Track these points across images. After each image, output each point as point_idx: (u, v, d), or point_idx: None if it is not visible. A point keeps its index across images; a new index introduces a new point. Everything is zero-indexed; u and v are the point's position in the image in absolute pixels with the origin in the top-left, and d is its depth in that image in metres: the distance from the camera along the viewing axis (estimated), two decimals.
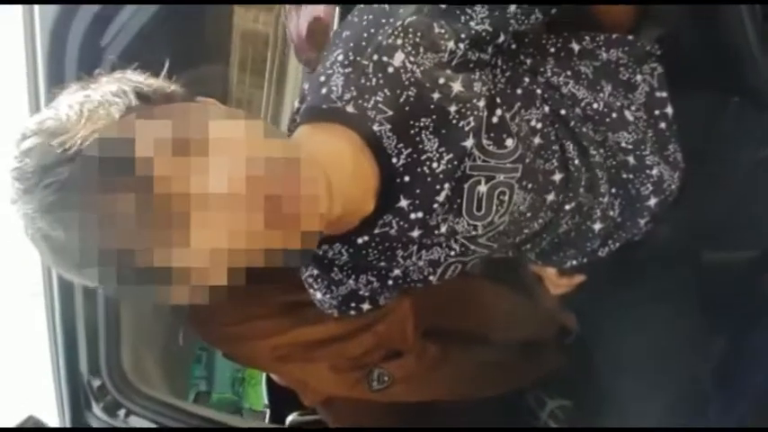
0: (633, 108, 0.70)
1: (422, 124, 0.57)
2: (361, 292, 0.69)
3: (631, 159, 0.69)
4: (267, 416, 1.31)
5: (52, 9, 0.84)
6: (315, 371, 1.01)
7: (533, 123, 0.64)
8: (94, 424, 0.96)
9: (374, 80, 0.57)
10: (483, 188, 0.61)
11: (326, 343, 0.99)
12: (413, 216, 0.60)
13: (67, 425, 0.99)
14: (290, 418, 1.20)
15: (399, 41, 0.56)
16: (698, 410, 0.86)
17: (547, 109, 0.65)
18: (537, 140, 0.64)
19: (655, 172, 0.70)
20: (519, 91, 0.63)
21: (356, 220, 0.59)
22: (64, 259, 0.46)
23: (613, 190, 0.71)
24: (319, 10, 1.06)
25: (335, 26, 1.01)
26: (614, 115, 0.68)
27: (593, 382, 0.96)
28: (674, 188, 0.72)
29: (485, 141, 0.59)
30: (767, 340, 0.93)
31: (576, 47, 0.69)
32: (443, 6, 0.58)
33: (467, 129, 0.58)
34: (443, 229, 0.62)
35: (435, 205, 0.60)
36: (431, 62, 0.56)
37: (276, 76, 1.32)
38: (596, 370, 0.95)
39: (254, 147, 0.47)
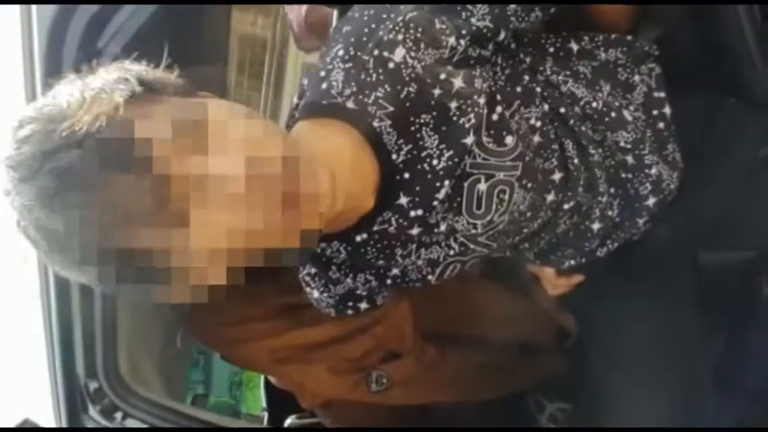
0: (632, 108, 0.70)
1: (422, 121, 0.57)
2: (358, 292, 0.69)
3: (630, 159, 0.69)
4: (265, 419, 1.30)
5: (50, 10, 0.84)
6: (313, 373, 1.01)
7: (533, 122, 0.63)
8: (91, 426, 0.96)
9: (375, 75, 0.56)
10: (483, 186, 0.60)
11: (324, 345, 0.99)
12: (412, 214, 0.60)
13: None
14: (288, 421, 1.19)
15: (400, 36, 0.56)
16: (697, 410, 0.86)
17: (546, 107, 0.65)
18: (536, 139, 0.64)
19: (653, 171, 0.70)
20: (519, 89, 0.63)
21: (355, 218, 0.59)
22: (61, 252, 0.45)
23: (612, 189, 0.71)
24: None
25: (335, 15, 1.00)
26: (613, 115, 0.68)
27: (593, 385, 0.96)
28: (673, 188, 0.72)
29: (485, 139, 0.59)
30: (765, 340, 0.93)
31: (574, 47, 0.69)
32: None
33: (467, 126, 0.57)
34: (443, 227, 0.62)
35: (435, 203, 0.59)
36: (431, 58, 0.56)
37: (274, 78, 1.32)
38: (594, 370, 0.95)
39: (253, 146, 0.46)
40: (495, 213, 0.62)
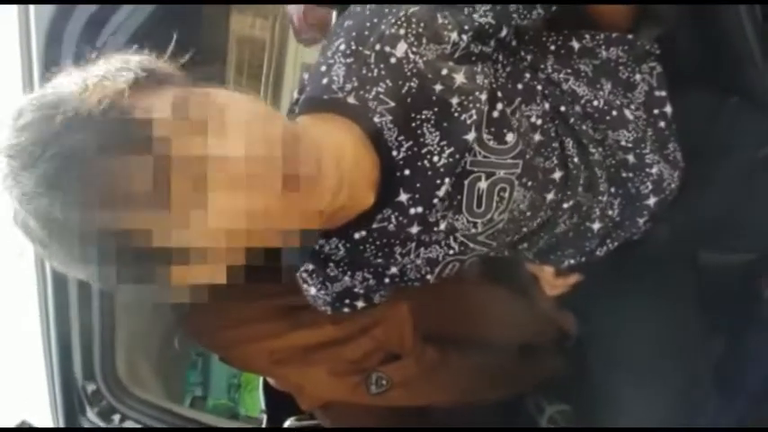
0: (633, 107, 0.70)
1: (423, 117, 0.57)
2: (356, 290, 0.68)
3: (631, 158, 0.69)
4: (264, 422, 1.30)
5: (47, 10, 0.84)
6: (312, 375, 1.00)
7: (533, 119, 0.63)
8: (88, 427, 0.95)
9: (376, 70, 0.56)
10: (483, 184, 0.60)
11: (324, 346, 0.99)
12: (412, 211, 0.59)
13: None
14: (287, 423, 1.18)
15: (402, 31, 0.55)
16: (697, 412, 0.86)
17: (547, 105, 0.65)
18: (537, 137, 0.63)
19: (654, 171, 0.69)
20: (520, 86, 0.63)
21: (354, 214, 0.59)
22: (60, 241, 0.44)
23: (613, 189, 0.71)
24: None
25: (334, 16, 1.01)
26: (614, 113, 0.68)
27: (592, 386, 0.95)
28: (674, 187, 0.72)
29: (485, 136, 0.59)
30: (765, 341, 0.93)
31: (576, 45, 0.69)
32: None
33: (469, 122, 0.57)
34: (443, 226, 0.62)
35: (435, 200, 0.59)
36: (433, 53, 0.56)
37: (273, 80, 1.32)
38: (594, 371, 0.94)
39: (254, 128, 0.46)
40: (496, 212, 0.62)
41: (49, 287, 0.90)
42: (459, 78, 0.56)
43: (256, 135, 0.46)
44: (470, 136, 0.57)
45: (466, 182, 0.60)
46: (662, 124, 0.71)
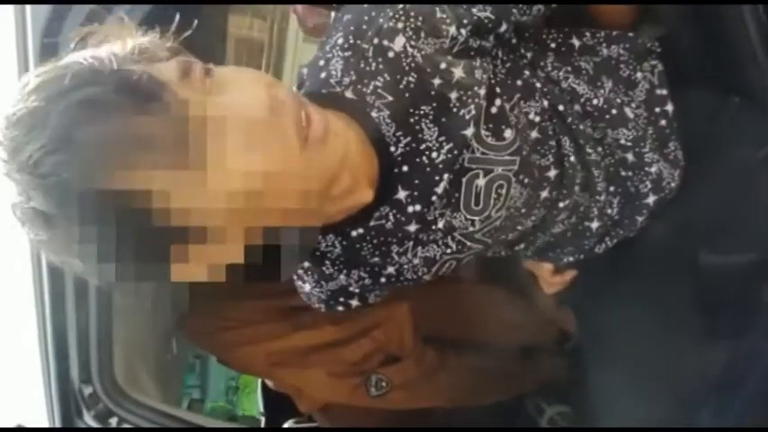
0: (633, 105, 0.70)
1: (422, 112, 0.57)
2: (351, 289, 0.68)
3: (630, 156, 0.69)
4: (262, 424, 1.29)
5: (44, 9, 0.83)
6: (311, 377, 1.00)
7: (532, 116, 0.63)
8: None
9: (374, 64, 0.56)
10: (481, 182, 0.60)
11: (323, 348, 0.98)
12: (410, 209, 0.59)
13: None
14: (286, 425, 1.18)
15: (401, 25, 0.55)
16: (697, 413, 0.86)
17: (546, 103, 0.65)
18: (534, 134, 0.63)
19: (654, 169, 0.69)
20: (519, 82, 0.63)
21: (352, 209, 0.58)
22: (66, 215, 0.42)
23: (612, 188, 0.70)
24: None
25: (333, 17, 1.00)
26: (614, 112, 0.68)
27: (592, 387, 0.95)
28: (674, 186, 0.71)
29: (483, 132, 0.59)
30: (765, 342, 0.92)
31: (576, 42, 0.69)
32: None
33: (467, 117, 0.57)
34: (440, 224, 0.62)
35: (434, 198, 0.59)
36: (432, 47, 0.55)
37: None
38: (593, 373, 0.94)
39: (263, 89, 0.47)
40: (493, 209, 0.62)
41: (46, 288, 0.89)
42: (458, 73, 0.56)
43: (267, 95, 0.46)
44: (469, 131, 0.57)
45: (464, 179, 0.60)
46: (663, 122, 0.71)
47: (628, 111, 0.69)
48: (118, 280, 0.46)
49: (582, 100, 0.67)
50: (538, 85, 0.65)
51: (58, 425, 0.95)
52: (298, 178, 0.47)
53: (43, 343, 0.93)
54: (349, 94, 0.56)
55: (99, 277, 0.47)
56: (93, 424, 0.93)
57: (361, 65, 0.56)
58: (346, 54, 0.57)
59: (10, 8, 0.86)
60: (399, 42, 0.55)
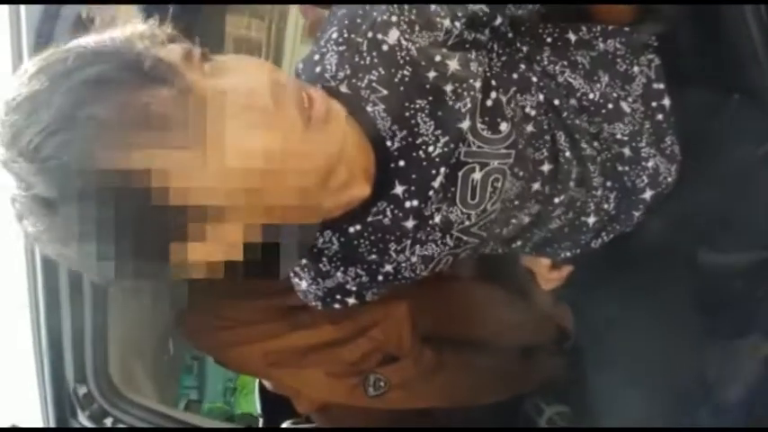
0: (630, 99, 0.70)
1: (417, 106, 0.56)
2: (348, 286, 0.67)
3: (627, 151, 0.69)
4: (260, 425, 1.29)
5: (37, 10, 0.83)
6: (309, 377, 0.99)
7: (528, 110, 0.63)
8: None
9: (368, 58, 0.56)
10: (477, 175, 0.60)
11: (321, 348, 0.98)
12: (407, 204, 0.59)
13: None
14: (284, 425, 1.17)
15: (394, 18, 0.55)
16: (697, 412, 0.85)
17: (541, 97, 0.64)
18: (529, 128, 0.63)
19: (650, 164, 0.69)
20: (515, 76, 0.62)
21: (350, 205, 0.58)
22: (68, 201, 0.41)
23: (608, 183, 0.70)
24: None
25: None
26: (610, 106, 0.68)
27: (591, 387, 0.95)
28: (671, 181, 0.71)
29: (479, 125, 0.58)
30: (765, 341, 0.92)
31: (572, 37, 0.69)
32: None
33: (463, 110, 0.56)
34: (437, 218, 0.61)
35: (431, 192, 0.58)
36: (426, 40, 0.55)
37: None
38: (592, 372, 0.94)
39: (264, 71, 0.47)
40: (489, 202, 0.61)
41: (40, 286, 0.89)
42: (453, 65, 0.56)
43: (268, 78, 0.46)
44: (465, 124, 0.57)
45: (460, 173, 0.60)
46: (660, 117, 0.71)
47: (624, 105, 0.68)
48: (117, 276, 0.45)
49: (578, 94, 0.67)
50: (534, 78, 0.64)
51: (52, 425, 0.95)
52: (299, 158, 0.46)
53: (37, 342, 0.92)
54: (344, 89, 0.56)
55: (97, 272, 0.46)
56: (88, 424, 0.93)
57: (356, 59, 0.56)
58: (341, 48, 0.56)
59: (4, 9, 0.86)
60: (393, 35, 0.55)
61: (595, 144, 0.68)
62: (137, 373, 1.09)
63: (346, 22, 0.57)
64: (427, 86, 0.56)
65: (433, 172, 0.57)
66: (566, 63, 0.67)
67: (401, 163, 0.57)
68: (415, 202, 0.59)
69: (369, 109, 0.56)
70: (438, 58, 0.55)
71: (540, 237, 0.72)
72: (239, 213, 0.45)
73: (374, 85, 0.56)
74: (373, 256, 0.63)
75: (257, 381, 1.28)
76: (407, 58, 0.55)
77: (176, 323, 1.03)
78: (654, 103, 0.71)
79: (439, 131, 0.57)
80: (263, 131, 0.45)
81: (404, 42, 0.55)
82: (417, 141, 0.57)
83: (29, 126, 0.40)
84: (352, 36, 0.56)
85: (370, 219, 0.60)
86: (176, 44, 0.46)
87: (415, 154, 0.57)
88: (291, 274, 0.69)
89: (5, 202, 0.45)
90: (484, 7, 0.57)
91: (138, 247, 0.43)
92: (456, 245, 0.64)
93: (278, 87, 0.46)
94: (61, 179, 0.41)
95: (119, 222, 0.42)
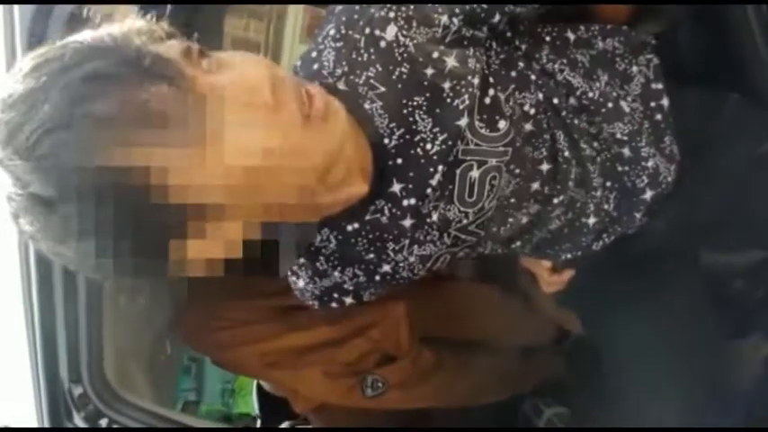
0: (629, 99, 0.70)
1: (415, 103, 0.56)
2: (345, 286, 0.67)
3: (626, 151, 0.68)
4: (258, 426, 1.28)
5: (30, 9, 0.82)
6: (306, 377, 0.99)
7: (526, 108, 0.62)
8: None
9: (366, 55, 0.55)
10: (475, 173, 0.59)
11: (318, 348, 0.98)
12: (405, 203, 0.58)
13: None
14: (283, 426, 1.17)
15: (392, 14, 0.54)
16: (697, 413, 0.85)
17: (540, 96, 0.64)
18: (528, 127, 0.63)
19: (650, 164, 0.69)
20: (513, 73, 0.62)
21: (347, 202, 0.57)
22: (66, 198, 0.41)
23: (608, 183, 0.70)
24: None
25: None
26: (610, 105, 0.67)
27: (591, 389, 0.94)
28: (671, 181, 0.71)
29: (477, 123, 0.58)
30: (764, 341, 0.92)
31: (571, 36, 0.68)
32: None
33: (461, 107, 0.56)
34: (435, 217, 0.61)
35: (428, 190, 0.58)
36: (424, 37, 0.55)
37: None
38: (592, 373, 0.93)
39: (262, 68, 0.47)
40: (487, 200, 0.61)
41: (34, 285, 0.88)
42: (451, 62, 0.55)
43: (267, 74, 0.46)
44: (463, 121, 0.56)
45: (458, 171, 0.59)
46: (658, 117, 0.70)
47: (623, 104, 0.68)
48: (116, 274, 0.45)
49: (577, 93, 0.67)
50: (533, 77, 0.64)
51: (47, 426, 0.94)
52: (297, 156, 0.46)
53: (31, 342, 0.91)
54: (341, 85, 0.56)
55: (95, 270, 0.46)
56: (83, 425, 0.92)
57: (353, 55, 0.55)
58: (338, 45, 0.56)
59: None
60: (391, 32, 0.54)
61: (595, 144, 0.68)
62: (133, 373, 1.09)
63: (344, 18, 0.56)
64: (425, 83, 0.56)
65: (431, 170, 0.57)
66: (565, 61, 0.67)
67: (399, 161, 0.57)
68: (413, 200, 0.58)
69: (366, 106, 0.55)
70: (436, 55, 0.55)
71: (539, 238, 0.71)
72: (238, 211, 0.45)
73: (372, 81, 0.55)
74: (371, 256, 0.63)
75: (255, 382, 1.27)
76: (405, 55, 0.55)
77: (173, 323, 1.03)
78: (653, 103, 0.70)
79: (437, 129, 0.56)
80: (262, 128, 0.45)
81: (401, 38, 0.54)
82: (415, 139, 0.57)
83: (25, 124, 0.40)
84: (350, 32, 0.56)
85: (367, 217, 0.59)
86: (175, 40, 0.46)
87: (412, 151, 0.57)
88: (289, 273, 0.69)
89: (0, 200, 0.44)
90: (482, 4, 0.56)
91: (138, 244, 0.43)
92: (454, 243, 0.64)
93: (277, 84, 0.46)
94: (58, 178, 0.40)
95: (117, 220, 0.41)
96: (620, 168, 0.69)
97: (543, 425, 1.17)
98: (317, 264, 0.65)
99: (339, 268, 0.65)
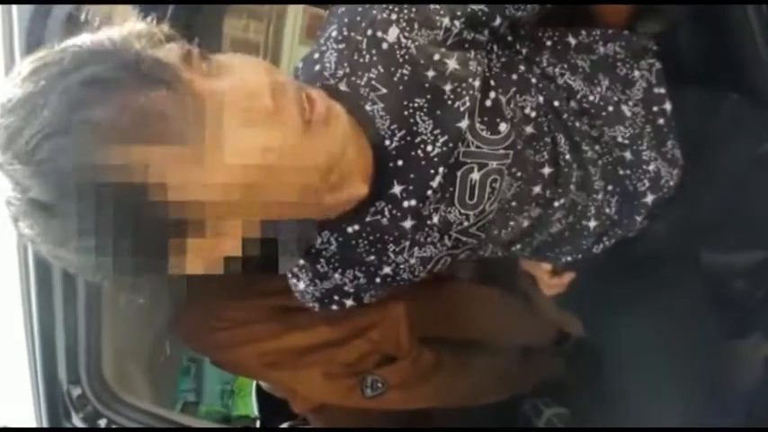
0: (631, 103, 0.70)
1: (416, 105, 0.56)
2: (346, 288, 0.67)
3: (628, 155, 0.68)
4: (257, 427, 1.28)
5: (28, 8, 0.82)
6: (306, 378, 0.99)
7: (527, 111, 0.62)
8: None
9: (368, 56, 0.55)
10: (476, 176, 0.59)
11: (318, 349, 0.97)
12: (405, 204, 0.58)
13: None
14: (283, 427, 1.17)
15: (394, 16, 0.54)
16: (698, 413, 0.85)
17: (541, 99, 0.64)
18: (529, 130, 0.63)
19: (652, 168, 0.69)
20: (514, 76, 0.62)
21: (348, 204, 0.57)
22: (66, 201, 0.41)
23: (609, 187, 0.70)
24: None
25: None
26: (611, 109, 0.67)
27: (590, 389, 0.94)
28: (672, 185, 0.71)
29: (478, 125, 0.58)
30: (765, 341, 0.92)
31: (572, 41, 0.69)
32: None
33: (462, 109, 0.56)
34: (435, 219, 0.61)
35: (429, 192, 0.58)
36: (425, 39, 0.55)
37: None
38: (593, 374, 0.93)
39: (262, 70, 0.47)
40: (487, 202, 0.61)
41: (33, 285, 0.88)
42: (452, 64, 0.55)
43: (268, 78, 0.46)
44: (464, 123, 0.56)
45: (458, 173, 0.59)
46: (661, 121, 0.70)
47: (625, 109, 0.68)
48: (115, 273, 0.45)
49: (578, 96, 0.67)
50: (533, 80, 0.64)
51: (45, 427, 0.94)
52: (298, 159, 0.46)
53: (30, 343, 0.91)
54: (343, 87, 0.56)
55: (95, 270, 0.46)
56: (82, 426, 0.92)
57: (355, 57, 0.56)
58: (340, 46, 0.56)
59: None
60: (393, 33, 0.54)
61: (596, 147, 0.68)
62: (132, 374, 1.08)
63: (346, 20, 0.56)
64: (426, 85, 0.56)
65: (432, 172, 0.57)
66: (565, 66, 0.67)
67: (399, 162, 0.57)
68: (413, 202, 0.58)
69: (368, 107, 0.55)
70: (437, 57, 0.55)
71: (540, 241, 0.71)
72: (238, 209, 0.45)
73: (373, 83, 0.55)
74: (371, 258, 0.63)
75: (254, 383, 1.27)
76: (407, 57, 0.55)
77: (172, 324, 1.02)
78: (655, 108, 0.70)
79: (438, 131, 0.56)
80: (262, 129, 0.45)
81: (403, 40, 0.54)
82: (416, 141, 0.57)
83: (24, 128, 0.40)
84: (352, 34, 0.56)
85: (368, 219, 0.59)
86: (174, 44, 0.46)
87: (413, 153, 0.57)
88: (289, 275, 0.69)
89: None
90: (483, 7, 0.57)
91: (137, 243, 0.43)
92: (454, 246, 0.64)
93: (277, 89, 0.45)
94: (57, 182, 0.40)
95: (117, 219, 0.42)
96: (621, 172, 0.69)
97: (543, 425, 1.17)
98: (318, 266, 0.65)
99: (340, 270, 0.65)
